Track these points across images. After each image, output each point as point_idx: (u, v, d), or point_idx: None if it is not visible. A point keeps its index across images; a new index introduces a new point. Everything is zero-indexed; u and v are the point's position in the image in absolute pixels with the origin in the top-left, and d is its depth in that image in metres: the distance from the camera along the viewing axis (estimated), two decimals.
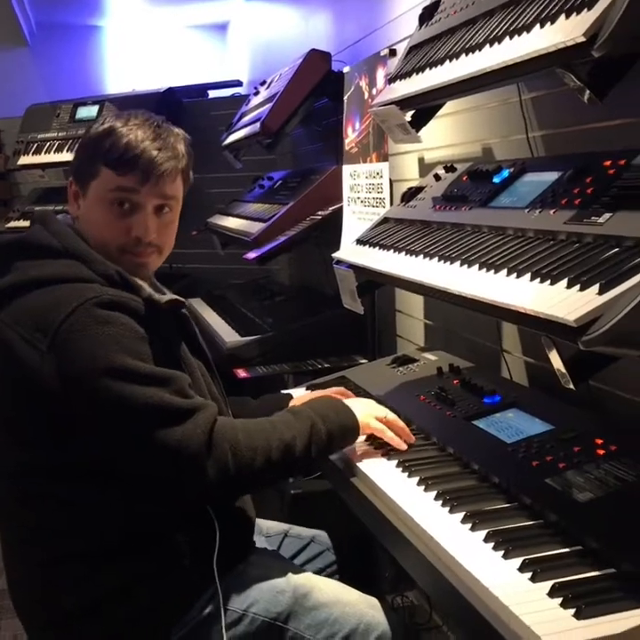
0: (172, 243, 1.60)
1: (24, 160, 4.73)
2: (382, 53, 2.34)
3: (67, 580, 1.43)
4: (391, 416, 1.60)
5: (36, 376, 1.35)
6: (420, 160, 2.52)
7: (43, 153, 4.64)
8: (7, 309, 1.43)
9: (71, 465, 1.40)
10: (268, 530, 1.84)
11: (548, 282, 1.14)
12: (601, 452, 1.33)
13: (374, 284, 2.03)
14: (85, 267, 1.45)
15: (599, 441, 1.36)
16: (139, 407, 1.33)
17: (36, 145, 4.72)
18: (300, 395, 1.93)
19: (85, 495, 1.41)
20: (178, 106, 4.39)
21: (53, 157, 4.60)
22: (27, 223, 4.59)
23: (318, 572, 1.76)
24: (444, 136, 2.30)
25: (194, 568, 1.46)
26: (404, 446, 1.56)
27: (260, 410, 1.77)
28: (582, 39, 1.07)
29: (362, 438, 1.60)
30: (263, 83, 3.55)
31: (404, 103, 1.79)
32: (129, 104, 4.51)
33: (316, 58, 2.99)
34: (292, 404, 1.83)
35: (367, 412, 1.57)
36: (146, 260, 1.55)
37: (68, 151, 4.54)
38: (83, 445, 1.38)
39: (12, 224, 4.73)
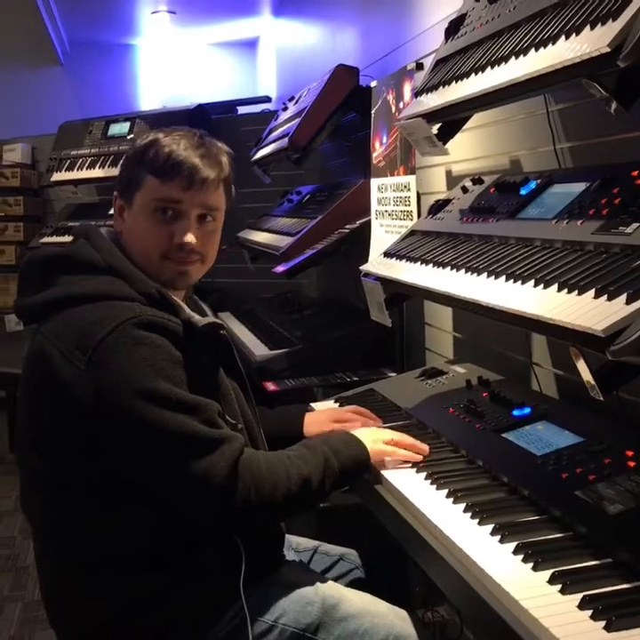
0: (214, 253, 1.61)
1: (57, 176, 4.80)
2: (409, 67, 2.35)
3: (99, 589, 1.45)
4: (397, 436, 1.62)
5: (72, 392, 1.37)
6: (448, 173, 2.52)
7: (75, 169, 4.71)
8: (49, 323, 1.45)
9: (103, 479, 1.41)
10: (297, 545, 1.85)
11: (576, 292, 1.13)
12: (631, 464, 1.32)
13: (402, 297, 2.03)
14: (126, 285, 1.46)
15: (630, 453, 1.35)
16: (167, 434, 1.35)
17: (68, 161, 4.80)
18: (322, 407, 1.93)
19: (117, 508, 1.42)
20: (208, 122, 4.44)
21: (86, 174, 4.68)
22: (60, 239, 4.66)
23: None
24: (472, 149, 2.30)
25: (223, 580, 1.47)
26: (418, 458, 1.58)
27: (274, 421, 1.79)
28: (607, 50, 1.08)
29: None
30: (291, 98, 3.58)
31: (430, 116, 1.80)
32: (160, 121, 4.59)
33: (344, 73, 3.01)
34: (312, 417, 1.84)
35: (374, 439, 1.59)
36: (187, 268, 1.55)
37: (100, 167, 4.61)
38: (113, 462, 1.39)
39: (46, 240, 4.80)
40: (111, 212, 1.64)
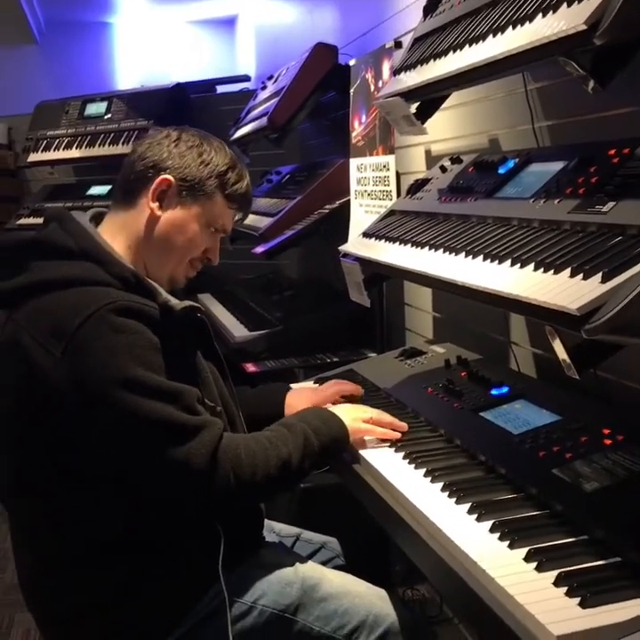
0: None
1: (33, 157, 4.73)
2: (388, 45, 2.34)
3: (78, 577, 1.44)
4: (376, 414, 1.63)
5: (49, 380, 1.34)
6: (427, 152, 2.51)
7: (52, 150, 4.65)
8: (21, 311, 1.42)
9: (80, 468, 1.39)
10: (279, 531, 1.85)
11: (552, 271, 1.14)
12: (608, 442, 1.33)
13: (381, 277, 2.03)
14: (101, 269, 1.43)
15: (606, 431, 1.36)
16: (146, 422, 1.33)
17: (45, 142, 4.73)
18: (301, 386, 1.92)
19: (95, 497, 1.41)
20: (186, 101, 4.39)
21: (63, 154, 4.61)
22: (37, 220, 4.60)
23: None
24: (451, 128, 2.29)
25: (202, 561, 1.46)
26: (397, 435, 1.59)
27: (255, 401, 1.79)
28: (584, 27, 1.07)
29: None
30: (270, 77, 3.55)
31: (408, 95, 1.79)
32: (137, 100, 4.54)
33: (323, 51, 2.98)
34: (293, 399, 1.83)
35: (353, 417, 1.60)
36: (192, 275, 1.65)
37: (77, 148, 4.55)
38: (90, 451, 1.38)
39: (23, 221, 4.74)
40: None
